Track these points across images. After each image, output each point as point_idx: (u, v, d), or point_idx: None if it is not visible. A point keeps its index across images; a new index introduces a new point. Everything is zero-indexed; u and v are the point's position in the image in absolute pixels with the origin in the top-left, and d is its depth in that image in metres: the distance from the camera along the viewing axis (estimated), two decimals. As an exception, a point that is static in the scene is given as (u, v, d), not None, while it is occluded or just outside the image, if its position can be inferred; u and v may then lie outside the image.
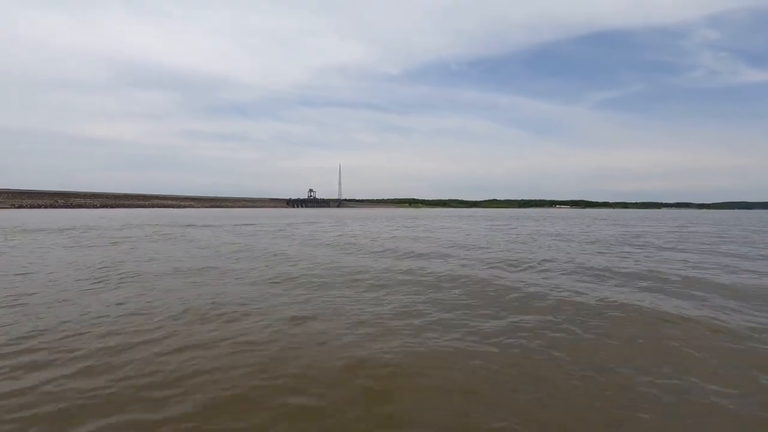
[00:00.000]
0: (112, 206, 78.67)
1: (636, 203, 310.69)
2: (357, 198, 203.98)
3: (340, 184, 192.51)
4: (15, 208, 58.31)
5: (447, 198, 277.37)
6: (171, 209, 72.93)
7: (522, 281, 6.73)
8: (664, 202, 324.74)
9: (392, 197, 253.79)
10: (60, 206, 68.08)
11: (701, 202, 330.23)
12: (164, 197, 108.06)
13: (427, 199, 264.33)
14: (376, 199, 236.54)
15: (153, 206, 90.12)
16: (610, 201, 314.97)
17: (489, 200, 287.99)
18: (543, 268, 8.28)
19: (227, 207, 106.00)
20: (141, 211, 52.07)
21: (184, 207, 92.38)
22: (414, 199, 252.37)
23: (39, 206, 64.51)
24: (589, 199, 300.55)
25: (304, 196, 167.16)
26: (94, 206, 74.84)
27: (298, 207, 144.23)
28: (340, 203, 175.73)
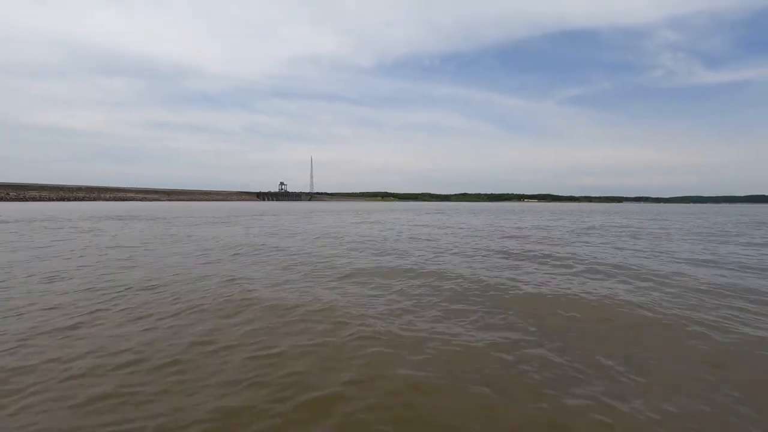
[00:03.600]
0: (69, 199, 76.52)
1: (600, 197, 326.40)
2: (329, 191, 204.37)
3: (312, 177, 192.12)
4: (-38, 201, 56.07)
5: (419, 192, 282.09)
6: (137, 202, 71.87)
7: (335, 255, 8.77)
8: (625, 196, 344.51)
9: (365, 191, 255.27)
10: (12, 199, 65.81)
11: (657, 196, 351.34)
12: (127, 190, 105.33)
13: (399, 192, 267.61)
14: (349, 193, 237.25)
15: (116, 199, 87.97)
16: (576, 195, 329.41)
17: (460, 194, 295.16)
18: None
19: (194, 200, 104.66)
20: (105, 204, 51.41)
21: (150, 200, 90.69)
22: (386, 193, 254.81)
23: (-11, 199, 62.16)
24: (556, 194, 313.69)
25: (276, 189, 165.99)
26: (51, 199, 72.58)
27: (268, 200, 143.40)
28: (311, 196, 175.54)
